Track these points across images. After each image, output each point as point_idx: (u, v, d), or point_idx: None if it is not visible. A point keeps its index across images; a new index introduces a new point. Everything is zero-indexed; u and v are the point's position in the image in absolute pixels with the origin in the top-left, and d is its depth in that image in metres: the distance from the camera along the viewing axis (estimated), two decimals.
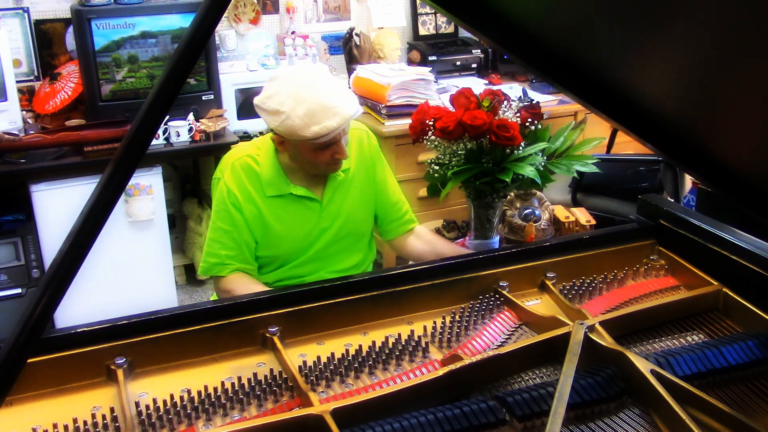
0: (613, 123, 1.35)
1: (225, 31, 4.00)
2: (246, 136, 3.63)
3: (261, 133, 3.47)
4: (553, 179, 2.02)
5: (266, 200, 2.00)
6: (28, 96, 3.61)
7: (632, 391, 1.28)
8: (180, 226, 4.11)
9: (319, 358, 1.39)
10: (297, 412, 1.22)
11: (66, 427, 1.24)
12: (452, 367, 1.28)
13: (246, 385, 1.33)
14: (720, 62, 0.92)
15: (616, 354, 1.31)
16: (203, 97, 3.61)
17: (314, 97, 1.83)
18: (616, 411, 1.25)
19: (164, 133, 3.46)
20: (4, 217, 3.25)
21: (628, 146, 3.74)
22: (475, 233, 2.08)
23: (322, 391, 1.33)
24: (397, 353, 1.43)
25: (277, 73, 1.95)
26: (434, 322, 1.52)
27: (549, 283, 1.64)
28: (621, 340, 1.40)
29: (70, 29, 3.62)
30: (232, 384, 1.33)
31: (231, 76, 3.77)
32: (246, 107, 3.73)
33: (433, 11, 4.46)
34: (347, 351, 1.43)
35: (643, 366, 1.26)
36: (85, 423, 1.25)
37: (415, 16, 4.43)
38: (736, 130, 1.12)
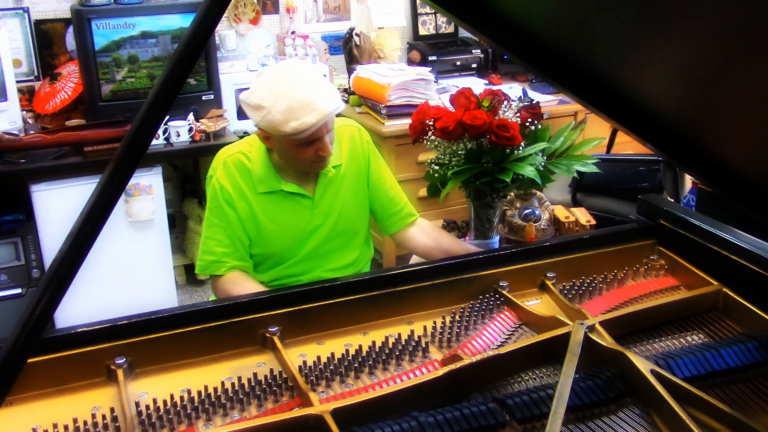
0: (613, 123, 1.35)
1: (225, 31, 4.00)
2: (246, 136, 3.62)
3: None
4: (553, 179, 2.02)
5: (258, 197, 2.01)
6: (28, 96, 3.61)
7: (632, 391, 1.28)
8: (180, 226, 4.10)
9: (319, 358, 1.39)
10: (297, 412, 1.22)
11: (66, 427, 1.24)
12: (452, 367, 1.28)
13: (246, 385, 1.33)
14: (720, 62, 0.92)
15: (616, 354, 1.31)
16: (203, 97, 3.61)
17: (294, 93, 1.83)
18: (616, 411, 1.25)
19: (164, 133, 3.45)
20: (4, 217, 3.25)
21: (628, 146, 3.74)
22: (475, 233, 2.08)
23: (322, 391, 1.33)
24: (397, 353, 1.43)
25: (264, 70, 1.96)
26: (434, 322, 1.52)
27: (549, 283, 1.64)
28: (621, 340, 1.40)
29: (70, 29, 3.62)
30: (232, 384, 1.33)
31: (231, 76, 3.77)
32: None
33: (433, 11, 4.46)
34: (347, 351, 1.43)
35: (643, 366, 1.26)
36: (85, 423, 1.25)
37: (415, 16, 4.43)
38: (736, 130, 1.12)
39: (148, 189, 3.40)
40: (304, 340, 1.49)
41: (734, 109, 1.04)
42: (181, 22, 3.50)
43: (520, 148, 1.91)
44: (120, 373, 1.35)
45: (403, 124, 3.34)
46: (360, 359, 1.41)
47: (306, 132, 1.84)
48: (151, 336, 1.39)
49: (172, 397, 1.29)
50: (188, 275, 4.04)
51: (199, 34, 0.96)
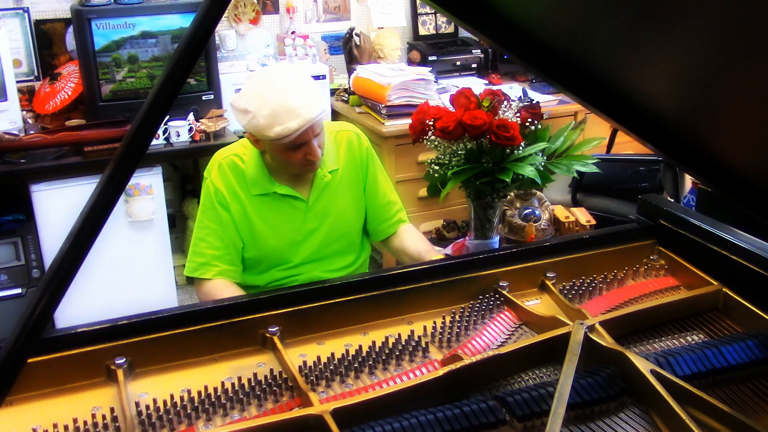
0: (613, 123, 1.35)
1: (225, 31, 4.00)
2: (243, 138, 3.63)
3: None
4: (553, 179, 2.02)
5: (252, 199, 2.01)
6: (28, 96, 3.61)
7: (632, 391, 1.27)
8: (180, 226, 4.10)
9: (319, 358, 1.39)
10: (297, 412, 1.22)
11: (66, 427, 1.24)
12: (452, 367, 1.28)
13: (246, 385, 1.33)
14: (720, 62, 0.92)
15: (616, 354, 1.31)
16: (203, 97, 3.61)
17: (279, 98, 1.84)
18: (616, 411, 1.25)
19: (164, 133, 3.45)
20: (4, 217, 3.25)
21: (628, 146, 3.74)
22: (475, 233, 2.08)
23: (322, 391, 1.33)
24: (397, 353, 1.43)
25: (254, 73, 1.97)
26: (434, 322, 1.52)
27: (549, 283, 1.64)
28: (621, 340, 1.40)
29: (70, 29, 3.62)
30: (232, 384, 1.33)
31: (231, 76, 3.77)
32: None
33: (433, 11, 4.46)
34: (347, 351, 1.43)
35: (643, 366, 1.26)
36: (85, 423, 1.25)
37: (415, 16, 4.43)
38: (736, 130, 1.12)
39: (148, 189, 3.40)
40: (304, 340, 1.49)
41: (734, 109, 1.04)
42: (181, 22, 3.50)
43: (520, 148, 1.91)
44: (120, 373, 1.35)
45: (403, 124, 3.34)
46: (360, 359, 1.41)
47: (289, 137, 1.84)
48: (151, 336, 1.39)
49: (172, 397, 1.29)
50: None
51: (199, 34, 0.96)
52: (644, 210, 1.80)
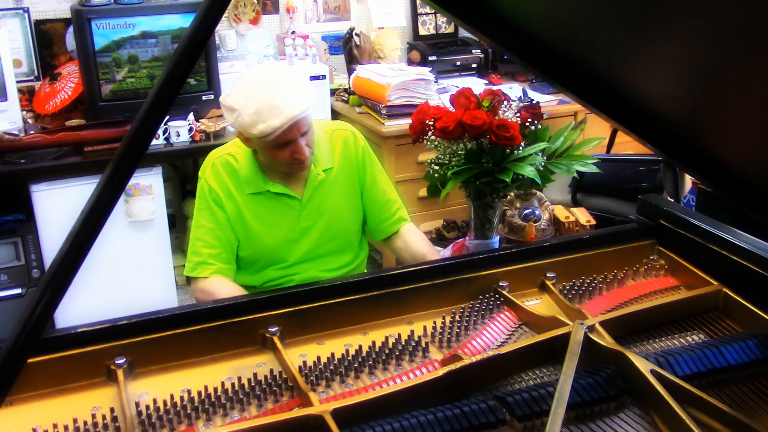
0: (613, 123, 1.35)
1: (225, 31, 4.00)
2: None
3: None
4: (553, 179, 2.02)
5: (246, 198, 2.02)
6: (28, 96, 3.61)
7: (632, 391, 1.27)
8: (180, 226, 4.10)
9: (319, 358, 1.39)
10: (297, 412, 1.22)
11: (66, 427, 1.24)
12: (452, 367, 1.28)
13: (246, 385, 1.33)
14: (720, 62, 0.92)
15: (616, 354, 1.31)
16: (203, 97, 3.61)
17: (263, 96, 1.85)
18: (616, 411, 1.25)
19: (164, 133, 3.45)
20: (4, 217, 3.25)
21: (628, 146, 3.74)
22: (475, 233, 2.08)
23: (322, 391, 1.33)
24: (397, 353, 1.43)
25: (243, 72, 1.98)
26: (434, 322, 1.52)
27: (549, 283, 1.64)
28: (621, 340, 1.40)
29: (70, 29, 3.62)
30: (232, 384, 1.33)
31: (231, 76, 3.76)
32: None
33: (433, 11, 4.46)
34: (347, 351, 1.43)
35: (643, 366, 1.26)
36: (85, 423, 1.25)
37: (415, 16, 4.43)
38: (736, 130, 1.12)
39: (148, 189, 3.40)
40: (304, 340, 1.49)
41: (734, 109, 1.04)
42: (181, 22, 3.50)
43: (520, 148, 1.91)
44: (120, 373, 1.35)
45: (403, 124, 3.34)
46: (360, 359, 1.41)
47: (273, 134, 1.85)
48: (151, 336, 1.39)
49: (172, 397, 1.29)
50: None
51: (199, 34, 0.96)
52: (644, 210, 1.80)
